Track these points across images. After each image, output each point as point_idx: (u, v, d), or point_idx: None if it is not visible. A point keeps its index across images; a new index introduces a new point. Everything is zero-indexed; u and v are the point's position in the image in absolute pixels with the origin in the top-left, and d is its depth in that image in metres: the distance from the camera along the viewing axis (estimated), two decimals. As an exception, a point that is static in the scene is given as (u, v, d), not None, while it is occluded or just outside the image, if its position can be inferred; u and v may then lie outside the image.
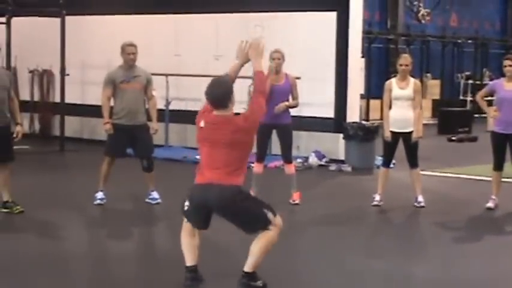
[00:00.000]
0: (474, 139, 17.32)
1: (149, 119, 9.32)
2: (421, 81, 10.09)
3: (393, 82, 9.41)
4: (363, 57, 15.49)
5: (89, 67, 15.33)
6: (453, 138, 17.40)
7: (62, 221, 8.51)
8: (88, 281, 6.48)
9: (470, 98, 23.21)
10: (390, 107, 9.47)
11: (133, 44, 9.12)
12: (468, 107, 22.62)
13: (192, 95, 13.59)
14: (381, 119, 9.90)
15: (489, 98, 10.08)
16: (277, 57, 9.28)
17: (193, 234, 6.01)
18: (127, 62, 9.13)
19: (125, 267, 6.85)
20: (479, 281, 6.59)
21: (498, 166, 9.39)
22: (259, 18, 13.56)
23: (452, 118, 19.37)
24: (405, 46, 22.42)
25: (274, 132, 9.54)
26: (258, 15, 13.59)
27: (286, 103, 9.27)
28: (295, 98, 9.37)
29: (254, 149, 9.64)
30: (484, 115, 17.66)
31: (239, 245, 6.82)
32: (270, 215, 5.86)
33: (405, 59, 9.41)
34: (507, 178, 9.68)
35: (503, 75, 9.41)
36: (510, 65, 9.17)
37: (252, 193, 9.49)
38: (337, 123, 12.97)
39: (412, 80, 9.41)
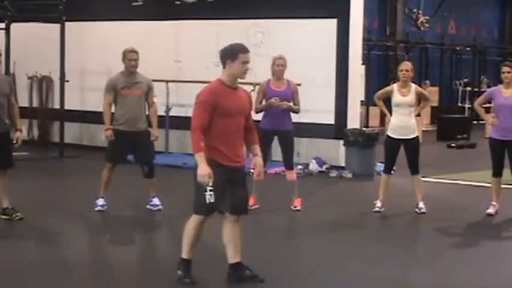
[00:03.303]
0: (473, 146, 17.32)
1: (150, 125, 9.28)
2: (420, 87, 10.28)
3: (395, 88, 9.40)
4: (363, 64, 15.46)
5: (89, 73, 15.30)
6: (452, 144, 17.41)
7: (62, 228, 8.47)
8: (88, 287, 6.45)
9: (469, 105, 23.25)
10: (391, 113, 9.46)
11: (135, 51, 9.09)
12: (466, 113, 22.63)
13: (192, 102, 13.43)
14: (381, 125, 9.86)
15: (487, 105, 10.06)
16: (281, 64, 9.25)
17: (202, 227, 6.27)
18: (128, 68, 9.09)
19: (125, 273, 6.81)
20: (481, 286, 6.55)
21: (497, 172, 9.37)
22: (260, 25, 13.56)
23: (451, 125, 19.37)
24: (404, 53, 22.43)
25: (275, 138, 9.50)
26: (259, 22, 13.57)
27: (289, 104, 9.22)
28: (296, 104, 9.35)
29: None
30: (482, 122, 17.69)
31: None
32: None
33: (406, 65, 9.42)
34: (507, 184, 9.64)
35: (501, 82, 9.40)
36: (508, 72, 9.17)
37: (252, 199, 9.47)
38: (338, 130, 12.94)
39: (413, 86, 9.41)
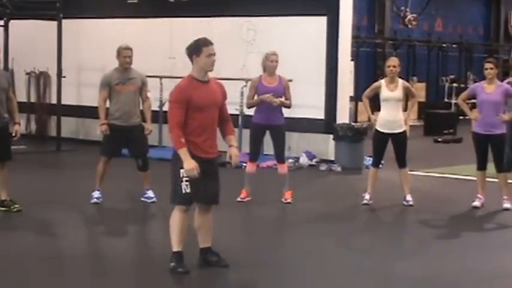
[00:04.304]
0: (459, 140, 17.35)
1: (144, 119, 9.28)
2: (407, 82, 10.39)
3: (382, 84, 9.40)
4: (352, 60, 15.47)
5: (85, 69, 15.27)
6: (439, 139, 17.44)
7: (59, 219, 8.46)
8: (84, 278, 6.43)
9: (455, 101, 23.25)
10: (379, 109, 9.47)
11: (129, 48, 9.09)
12: (453, 109, 22.65)
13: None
14: (369, 120, 9.88)
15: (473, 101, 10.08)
16: (275, 60, 9.24)
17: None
18: (122, 65, 9.10)
19: (120, 263, 6.80)
20: (463, 278, 6.57)
21: (481, 166, 9.39)
22: (252, 22, 13.55)
23: (438, 120, 19.39)
24: (392, 50, 22.44)
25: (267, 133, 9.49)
26: (251, 19, 13.57)
27: (281, 99, 9.21)
28: (288, 99, 9.33)
29: (247, 149, 9.68)
30: (468, 117, 17.64)
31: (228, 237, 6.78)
32: None
33: (393, 61, 9.44)
34: (491, 178, 9.66)
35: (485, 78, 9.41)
36: (491, 68, 9.20)
37: (244, 192, 9.48)
38: (328, 125, 12.95)
39: (400, 81, 9.42)
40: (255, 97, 9.30)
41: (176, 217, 6.27)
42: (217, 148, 6.37)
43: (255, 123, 9.42)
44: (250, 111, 9.86)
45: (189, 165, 6.01)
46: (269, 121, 9.28)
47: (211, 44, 6.25)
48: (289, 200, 9.46)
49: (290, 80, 9.77)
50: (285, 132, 9.50)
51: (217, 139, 6.36)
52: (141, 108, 9.32)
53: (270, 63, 9.23)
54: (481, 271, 6.79)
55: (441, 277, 6.54)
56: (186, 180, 6.11)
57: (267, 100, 9.12)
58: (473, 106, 10.22)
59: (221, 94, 6.35)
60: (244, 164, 10.29)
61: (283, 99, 9.25)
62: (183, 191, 6.14)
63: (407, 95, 9.56)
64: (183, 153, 6.03)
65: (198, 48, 6.18)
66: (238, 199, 9.39)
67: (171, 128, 6.12)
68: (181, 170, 6.10)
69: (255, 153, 9.48)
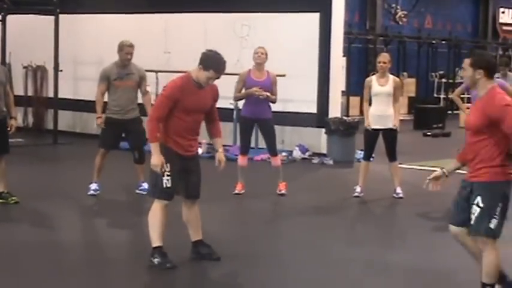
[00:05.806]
0: (447, 134, 17.39)
1: (143, 113, 9.24)
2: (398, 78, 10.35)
3: (373, 79, 9.39)
4: (344, 56, 15.47)
5: (81, 63, 15.23)
6: (428, 133, 17.46)
7: (56, 211, 8.44)
8: (81, 269, 6.41)
9: (444, 96, 23.33)
10: (370, 104, 9.46)
11: (132, 45, 9.05)
12: (442, 104, 22.69)
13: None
14: (361, 114, 9.86)
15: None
16: (260, 52, 9.21)
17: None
18: (123, 61, 9.06)
19: (116, 255, 6.79)
20: (453, 269, 6.57)
21: (471, 160, 9.36)
22: (245, 18, 13.53)
23: (427, 114, 19.41)
24: (383, 46, 22.45)
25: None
26: (245, 15, 13.55)
27: (268, 93, 9.17)
28: (274, 94, 9.28)
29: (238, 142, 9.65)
30: (456, 112, 17.67)
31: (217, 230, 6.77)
32: None
33: (384, 57, 9.42)
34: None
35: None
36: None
37: (240, 185, 9.45)
38: (320, 119, 12.94)
39: (391, 77, 9.41)
40: (243, 90, 9.28)
41: (156, 211, 6.18)
42: (197, 146, 6.37)
43: (243, 116, 9.42)
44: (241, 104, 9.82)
45: (156, 161, 6.01)
46: (256, 114, 9.26)
47: (222, 71, 6.08)
48: (283, 192, 9.45)
49: (283, 75, 9.74)
50: (273, 126, 9.42)
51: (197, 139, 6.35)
52: (140, 101, 9.30)
53: (255, 55, 9.24)
54: (471, 261, 6.79)
55: (431, 267, 6.55)
56: (168, 175, 6.08)
57: (255, 93, 9.10)
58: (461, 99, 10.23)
59: (212, 98, 6.29)
60: (235, 157, 10.28)
61: (269, 94, 9.22)
62: (164, 185, 6.11)
63: (395, 93, 9.44)
64: (155, 146, 6.02)
65: (208, 65, 6.02)
66: (236, 191, 9.36)
67: (150, 119, 6.10)
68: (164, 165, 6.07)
69: (246, 146, 9.45)
